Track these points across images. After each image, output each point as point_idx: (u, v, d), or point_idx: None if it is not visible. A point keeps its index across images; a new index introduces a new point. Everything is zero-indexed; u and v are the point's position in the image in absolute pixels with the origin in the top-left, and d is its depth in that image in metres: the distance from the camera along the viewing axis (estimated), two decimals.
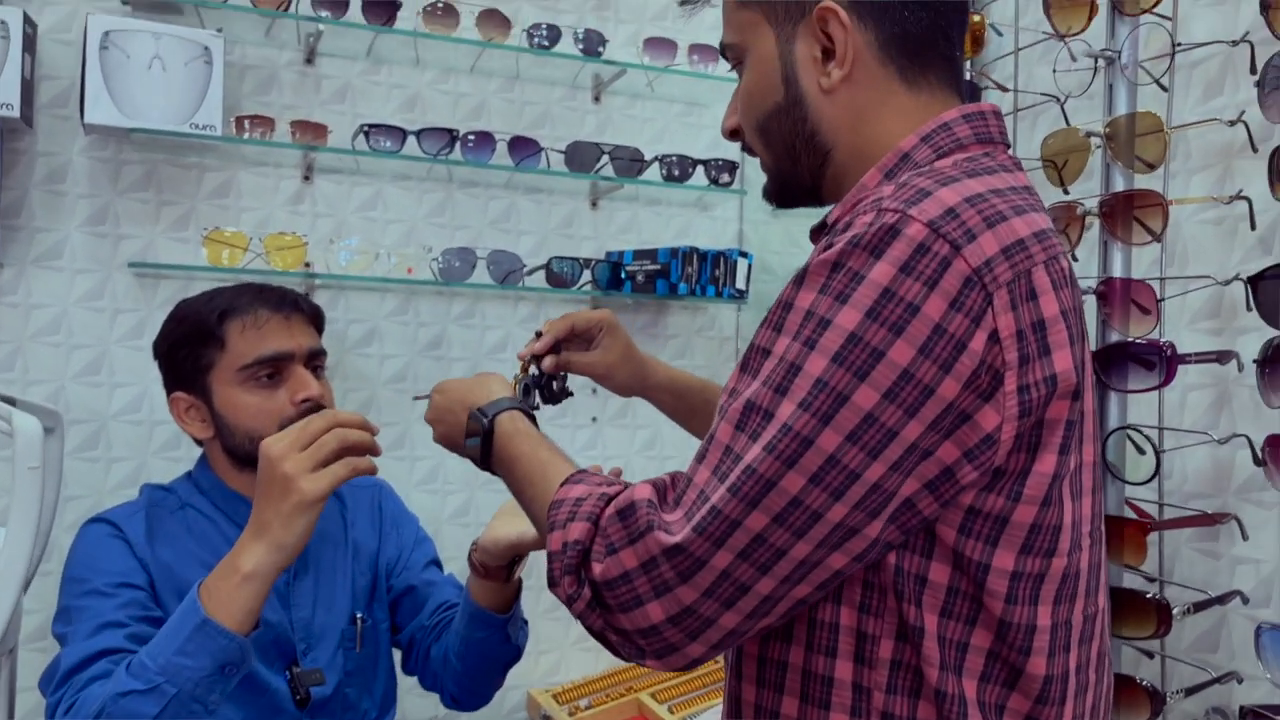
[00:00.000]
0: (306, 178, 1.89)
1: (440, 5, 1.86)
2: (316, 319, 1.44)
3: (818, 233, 0.85)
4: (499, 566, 1.33)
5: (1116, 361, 1.07)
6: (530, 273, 1.94)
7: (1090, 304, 1.13)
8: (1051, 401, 0.67)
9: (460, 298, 1.98)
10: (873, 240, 0.66)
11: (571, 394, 1.24)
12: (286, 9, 1.76)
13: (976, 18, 1.35)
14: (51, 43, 1.72)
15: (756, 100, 0.83)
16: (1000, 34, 1.47)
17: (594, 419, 2.09)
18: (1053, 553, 0.69)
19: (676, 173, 2.00)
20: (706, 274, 1.98)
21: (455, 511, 1.99)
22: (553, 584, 0.75)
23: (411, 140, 1.85)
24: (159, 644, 1.08)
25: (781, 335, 0.69)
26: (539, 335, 1.22)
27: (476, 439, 0.93)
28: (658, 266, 1.96)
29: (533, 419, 0.97)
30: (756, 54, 0.82)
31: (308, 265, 1.84)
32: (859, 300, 0.66)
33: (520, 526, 1.28)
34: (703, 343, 2.19)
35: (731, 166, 2.05)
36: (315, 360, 1.40)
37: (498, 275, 1.90)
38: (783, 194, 0.87)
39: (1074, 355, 0.68)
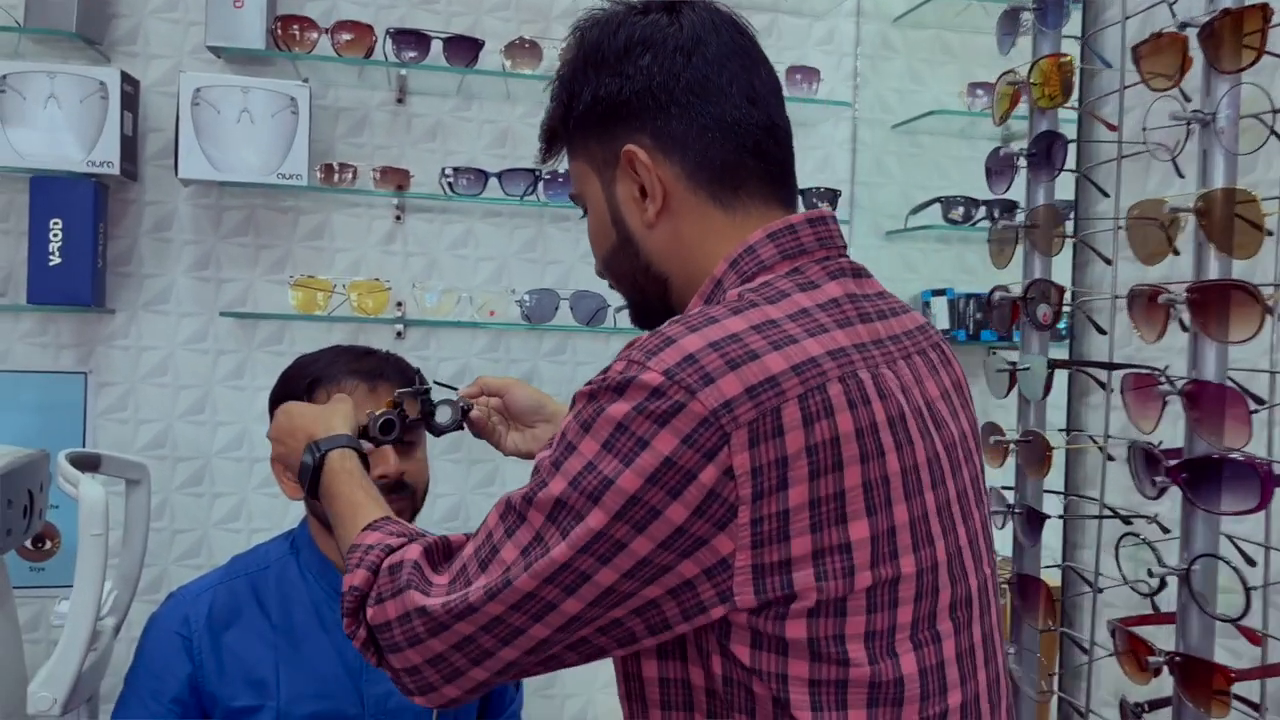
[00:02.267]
0: (398, 217, 1.90)
1: (525, 41, 1.82)
2: (410, 384, 1.37)
3: None
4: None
5: (1205, 478, 0.92)
6: (619, 310, 1.89)
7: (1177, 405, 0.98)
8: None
9: (551, 334, 1.95)
10: (615, 382, 0.72)
11: (462, 428, 1.22)
12: (371, 55, 1.77)
13: (1065, 58, 1.19)
14: (157, 96, 1.79)
15: (599, 242, 0.88)
16: (1109, 65, 1.30)
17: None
18: (846, 661, 0.72)
19: None
20: None
21: None
22: (343, 620, 0.85)
23: (495, 180, 1.83)
24: None
25: (551, 448, 0.76)
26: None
27: (307, 470, 1.01)
28: None
29: (364, 459, 1.03)
30: (591, 200, 0.87)
31: (400, 305, 1.85)
32: (597, 432, 0.72)
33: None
34: None
35: (834, 194, 1.93)
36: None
37: (582, 316, 1.86)
38: (643, 319, 0.90)
39: (813, 489, 0.71)
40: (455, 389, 1.23)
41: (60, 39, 1.68)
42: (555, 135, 0.89)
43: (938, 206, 1.99)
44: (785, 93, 0.87)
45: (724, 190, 0.82)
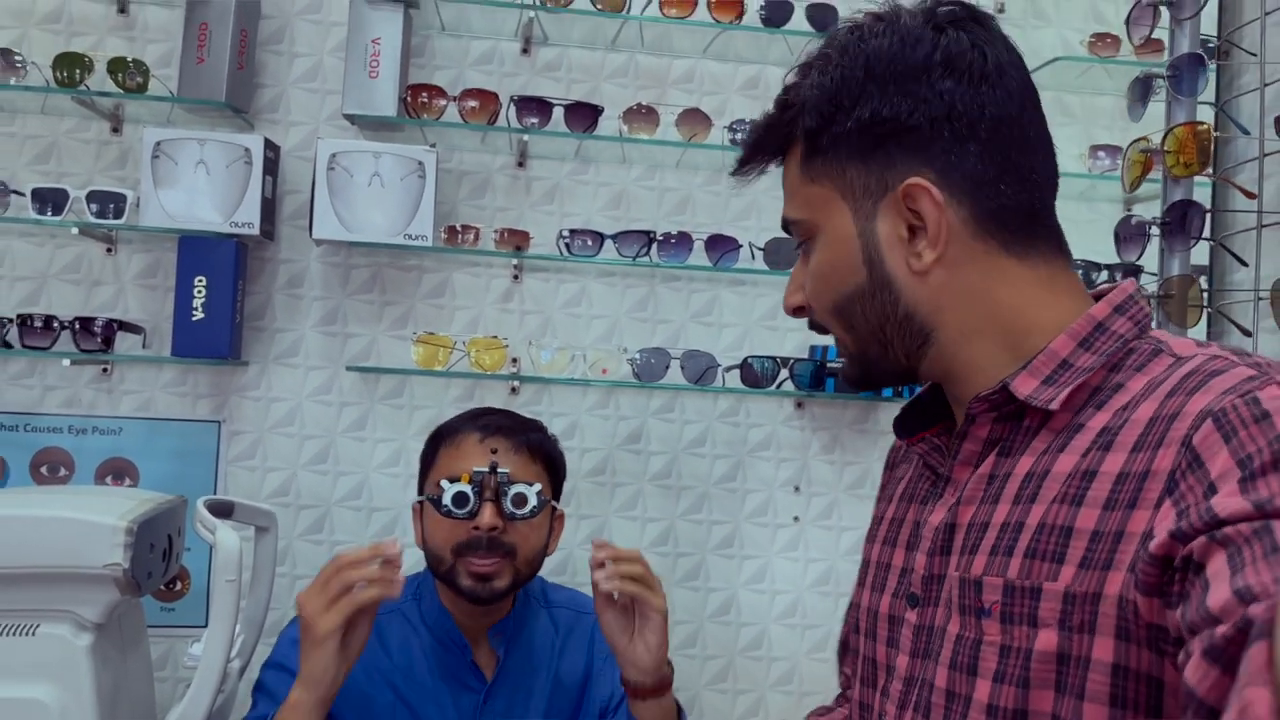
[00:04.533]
0: (515, 277, 1.95)
1: (642, 107, 1.87)
2: (537, 453, 1.42)
3: (983, 402, 0.75)
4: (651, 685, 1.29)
5: None
6: (728, 370, 1.90)
7: None
8: None
9: (660, 392, 1.97)
10: None
11: (534, 515, 1.36)
12: (495, 121, 1.84)
13: (1202, 126, 1.17)
14: (294, 160, 1.89)
15: (833, 282, 0.77)
16: (1248, 132, 1.27)
17: (796, 518, 2.00)
18: None
19: None
20: None
21: None
22: None
23: (610, 242, 1.87)
24: None
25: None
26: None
27: None
28: None
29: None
30: (830, 233, 0.76)
31: (515, 362, 1.90)
32: None
33: (646, 638, 1.27)
34: None
35: None
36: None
37: (692, 375, 1.87)
38: (867, 377, 0.81)
39: None
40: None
41: (210, 108, 1.79)
42: (779, 144, 0.79)
43: None
44: None
45: (1017, 241, 0.74)
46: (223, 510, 1.50)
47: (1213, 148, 1.15)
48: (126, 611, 1.43)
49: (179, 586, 1.84)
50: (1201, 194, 1.35)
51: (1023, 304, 0.73)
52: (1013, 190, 0.72)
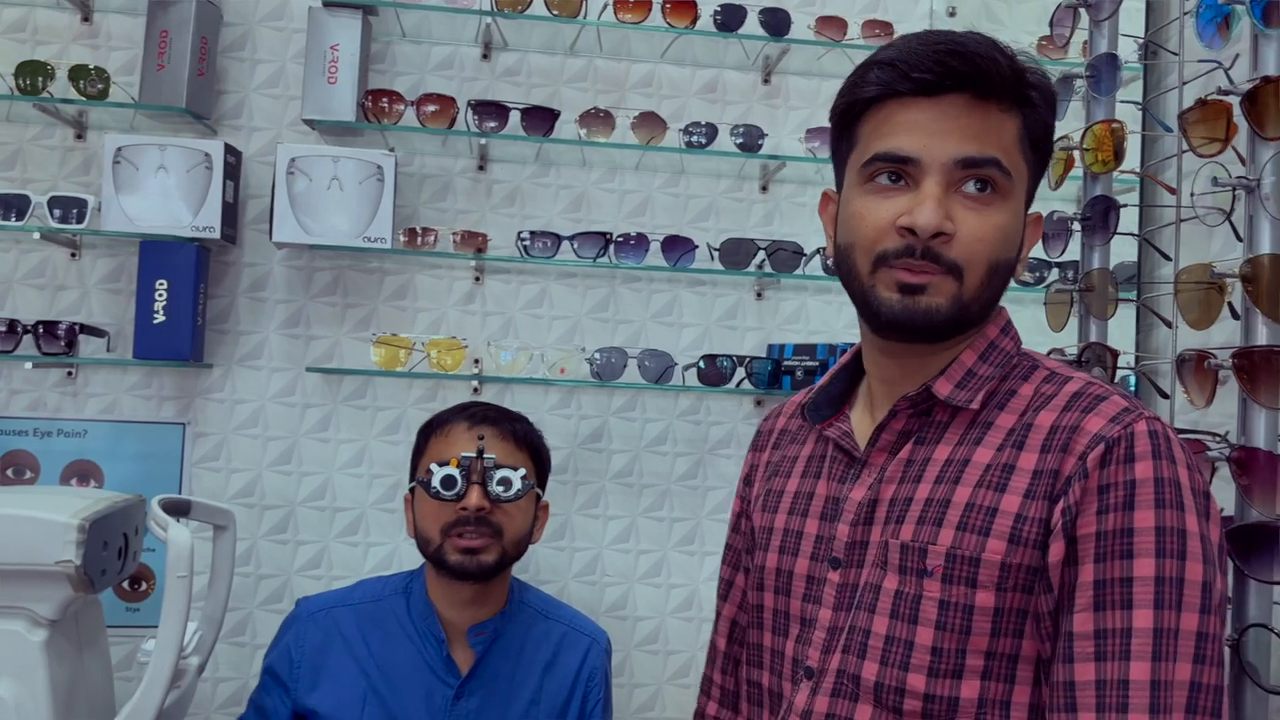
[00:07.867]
0: (477, 279, 1.98)
1: (599, 111, 1.90)
2: (523, 441, 1.49)
3: (907, 401, 0.92)
4: None
5: (1256, 546, 0.90)
6: (686, 369, 1.92)
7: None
8: None
9: (621, 392, 2.00)
10: (1164, 448, 0.79)
11: (518, 499, 1.43)
12: (453, 126, 1.86)
13: (1117, 123, 1.20)
14: (257, 165, 1.92)
15: (1000, 247, 0.86)
16: (1170, 130, 1.30)
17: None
18: None
19: None
20: None
21: (612, 604, 2.00)
22: None
23: (568, 243, 1.90)
24: None
25: (1139, 558, 0.77)
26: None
27: None
28: (816, 363, 1.88)
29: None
30: (1017, 205, 0.88)
31: (477, 363, 1.93)
32: (1193, 505, 0.78)
33: None
34: None
35: None
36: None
37: (652, 374, 1.90)
38: (949, 326, 0.87)
39: None
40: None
41: (171, 114, 1.82)
42: (1009, 100, 0.87)
43: None
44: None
45: None
46: (179, 509, 1.52)
47: (1139, 144, 1.18)
48: (83, 609, 1.45)
49: (143, 587, 1.86)
50: (1135, 192, 1.38)
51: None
52: None
